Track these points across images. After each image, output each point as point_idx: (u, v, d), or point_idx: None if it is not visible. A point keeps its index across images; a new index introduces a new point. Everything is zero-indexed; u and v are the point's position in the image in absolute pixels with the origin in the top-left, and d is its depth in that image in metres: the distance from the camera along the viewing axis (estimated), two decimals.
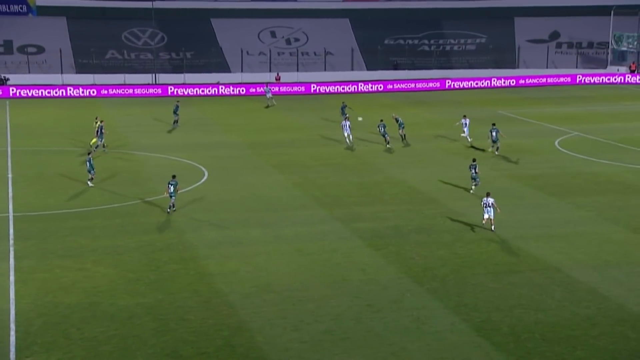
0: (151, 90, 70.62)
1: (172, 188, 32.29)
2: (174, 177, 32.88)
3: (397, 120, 48.55)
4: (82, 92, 68.85)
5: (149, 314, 22.57)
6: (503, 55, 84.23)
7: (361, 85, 73.83)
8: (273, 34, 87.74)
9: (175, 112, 53.61)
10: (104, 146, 44.78)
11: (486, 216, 30.07)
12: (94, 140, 44.36)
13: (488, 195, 30.35)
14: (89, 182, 36.66)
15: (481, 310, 23.08)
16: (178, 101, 56.45)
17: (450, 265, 26.82)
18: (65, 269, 25.80)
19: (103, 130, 44.52)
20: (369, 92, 72.90)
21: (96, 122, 45.39)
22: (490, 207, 29.87)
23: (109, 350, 20.50)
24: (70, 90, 68.66)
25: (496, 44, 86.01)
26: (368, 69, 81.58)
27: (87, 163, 36.67)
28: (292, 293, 24.39)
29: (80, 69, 76.80)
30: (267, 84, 66.85)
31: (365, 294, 24.38)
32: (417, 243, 29.08)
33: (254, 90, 71.18)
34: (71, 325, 21.68)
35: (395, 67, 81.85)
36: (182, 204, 33.85)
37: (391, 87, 74.50)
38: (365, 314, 22.89)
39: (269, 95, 63.56)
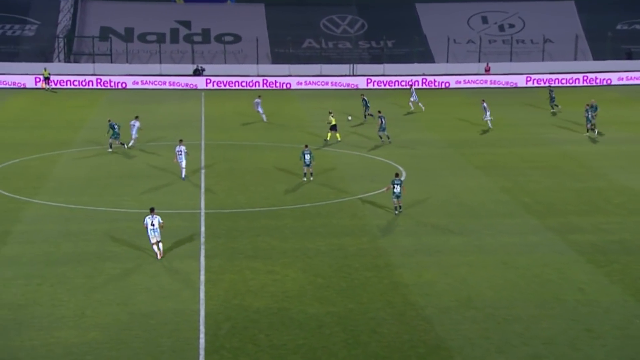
0: (348, 82, 72.05)
1: (398, 188, 32.60)
2: (397, 175, 33.34)
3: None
4: (277, 83, 71.71)
5: (339, 324, 22.96)
6: None
7: (585, 78, 70.69)
8: (484, 20, 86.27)
9: (366, 105, 54.20)
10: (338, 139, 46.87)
11: None
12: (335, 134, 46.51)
13: None
14: (304, 178, 38.17)
15: None
16: (362, 94, 57.11)
17: None
18: (254, 270, 26.91)
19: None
20: (594, 84, 69.59)
21: (331, 116, 47.63)
22: None
23: None
24: (265, 81, 71.78)
25: None
26: (595, 59, 77.89)
27: (306, 156, 37.82)
28: (496, 310, 23.80)
29: (276, 59, 79.96)
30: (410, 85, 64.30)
31: (583, 317, 23.27)
32: None
33: (459, 81, 70.37)
34: (259, 331, 22.55)
35: (629, 57, 77.43)
36: (375, 206, 34.17)
37: (622, 80, 70.60)
38: (583, 340, 21.84)
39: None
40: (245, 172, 40.57)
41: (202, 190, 37.00)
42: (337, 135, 47.42)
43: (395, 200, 32.90)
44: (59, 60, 77.77)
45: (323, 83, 71.40)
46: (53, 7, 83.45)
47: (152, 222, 27.54)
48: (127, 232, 30.43)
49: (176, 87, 70.75)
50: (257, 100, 55.45)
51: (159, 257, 27.65)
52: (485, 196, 36.13)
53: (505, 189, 37.35)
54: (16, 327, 22.34)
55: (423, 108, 58.40)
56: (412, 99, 59.04)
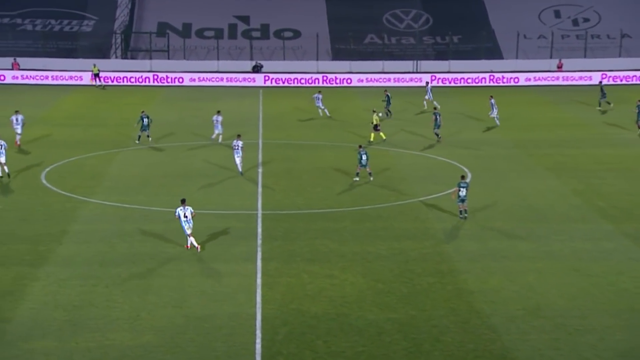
0: (411, 79, 71.71)
1: (464, 192, 32.32)
2: (463, 177, 33.18)
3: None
4: (337, 80, 71.78)
5: (400, 332, 22.87)
6: None
7: None
8: (557, 14, 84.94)
9: (388, 101, 54.77)
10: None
11: None
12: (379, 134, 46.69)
13: None
14: (356, 178, 38.43)
15: None
16: (386, 90, 57.04)
17: None
18: (312, 274, 26.97)
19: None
20: None
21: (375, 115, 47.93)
22: None
23: None
24: (325, 77, 71.91)
25: None
26: None
27: (362, 156, 38.02)
28: (567, 320, 23.43)
29: (337, 55, 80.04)
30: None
31: None
32: None
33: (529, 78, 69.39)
34: (317, 337, 22.59)
35: None
36: (439, 209, 33.94)
37: None
38: None
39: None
40: (303, 172, 40.71)
41: (259, 190, 37.25)
42: (382, 134, 47.24)
43: (460, 204, 32.60)
44: (116, 57, 79.17)
45: (385, 80, 71.20)
46: (111, 3, 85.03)
47: (184, 213, 28.42)
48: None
49: (234, 84, 71.39)
50: (318, 95, 55.68)
51: (197, 251, 28.49)
52: (556, 199, 35.58)
53: (577, 192, 36.73)
54: (71, 329, 22.82)
55: (438, 107, 58.13)
56: (426, 97, 58.64)
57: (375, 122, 47.31)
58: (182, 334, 22.58)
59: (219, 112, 47.62)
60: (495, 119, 52.15)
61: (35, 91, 66.50)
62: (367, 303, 24.72)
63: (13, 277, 26.12)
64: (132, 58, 79.63)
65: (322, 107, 55.27)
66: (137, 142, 46.75)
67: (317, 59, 77.15)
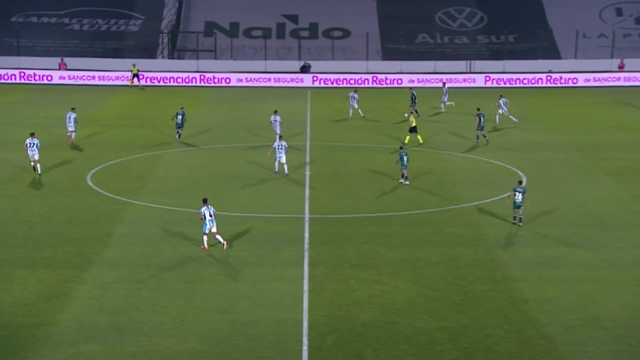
0: (464, 80, 71.23)
1: (520, 197, 31.90)
2: (520, 182, 32.99)
3: None
4: (388, 80, 71.59)
5: (451, 341, 22.71)
6: None
7: None
8: (619, 12, 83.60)
9: (413, 101, 54.69)
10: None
11: None
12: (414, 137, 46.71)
13: None
14: (402, 180, 38.51)
15: None
16: (411, 89, 56.93)
17: None
18: (361, 280, 26.92)
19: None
20: None
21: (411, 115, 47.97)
22: None
23: None
24: (375, 78, 71.79)
25: None
26: None
27: (404, 157, 38.07)
28: (628, 332, 23.05)
29: (387, 55, 79.86)
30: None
31: None
32: None
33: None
34: (366, 345, 22.54)
35: None
36: (492, 215, 33.63)
37: None
38: None
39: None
40: (352, 176, 40.67)
41: (307, 194, 37.30)
42: (419, 137, 46.85)
43: (515, 210, 32.23)
44: (163, 57, 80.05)
45: (437, 81, 70.81)
46: (158, 2, 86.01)
47: (209, 212, 29.20)
48: (228, 236, 30.99)
49: (281, 84, 71.65)
50: (354, 94, 56.05)
51: (224, 246, 29.34)
52: (616, 205, 35.01)
53: (638, 197, 36.09)
54: (116, 333, 23.10)
55: (453, 104, 58.09)
56: (444, 100, 58.33)
57: (413, 124, 47.06)
58: (227, 340, 22.71)
59: (276, 112, 48.17)
60: (511, 118, 51.94)
61: (81, 91, 67.55)
62: (417, 311, 24.59)
63: (59, 280, 26.54)
64: (179, 58, 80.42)
65: (357, 107, 55.45)
66: (178, 139, 47.69)
67: (367, 59, 77.01)
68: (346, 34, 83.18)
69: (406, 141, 46.29)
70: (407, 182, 38.31)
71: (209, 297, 25.46)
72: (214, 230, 29.26)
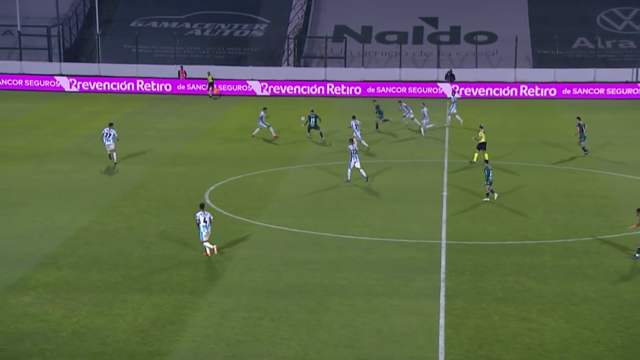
0: (629, 90, 69.22)
1: None
2: None
3: None
4: (538, 91, 70.42)
5: None
6: None
7: None
8: None
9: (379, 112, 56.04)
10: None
11: None
12: None
13: None
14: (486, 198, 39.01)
15: None
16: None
17: None
18: (505, 316, 26.48)
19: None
20: None
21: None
22: None
23: None
24: (523, 89, 70.73)
25: None
26: None
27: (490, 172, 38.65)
28: None
29: (539, 62, 78.54)
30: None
31: None
32: None
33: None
34: None
35: None
36: None
37: None
38: None
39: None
40: (500, 196, 40.14)
41: (444, 217, 37.05)
42: (486, 155, 45.69)
43: None
44: (288, 64, 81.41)
45: (596, 92, 69.10)
46: (285, 5, 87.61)
47: (204, 218, 31.31)
48: (356, 262, 31.09)
49: (417, 94, 71.23)
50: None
51: (213, 253, 31.56)
52: None
53: None
54: None
55: (461, 121, 57.85)
56: (452, 111, 58.25)
57: (482, 140, 46.09)
58: None
59: (354, 117, 50.22)
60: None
61: (201, 102, 69.49)
62: (571, 354, 23.99)
63: (174, 306, 27.27)
64: (305, 65, 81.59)
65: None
66: (308, 135, 53.51)
67: (515, 67, 76.02)
68: (492, 38, 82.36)
69: (475, 159, 45.60)
70: (492, 197, 39.11)
71: (334, 330, 25.59)
72: (205, 238, 31.38)
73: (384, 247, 32.84)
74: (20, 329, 25.33)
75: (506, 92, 70.86)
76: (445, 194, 40.49)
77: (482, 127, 47.34)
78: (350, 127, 49.51)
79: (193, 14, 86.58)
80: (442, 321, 26.13)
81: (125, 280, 29.42)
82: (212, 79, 72.45)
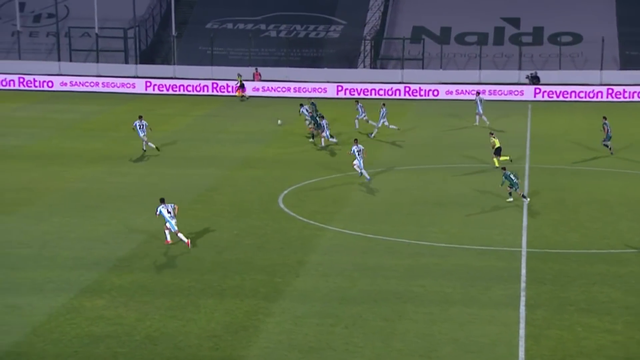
0: None
1: None
2: None
3: None
4: (627, 94, 69.19)
5: None
6: None
7: None
8: None
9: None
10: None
11: None
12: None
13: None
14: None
15: None
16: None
17: None
18: (588, 328, 26.10)
19: None
20: None
21: None
22: None
23: None
24: (610, 91, 69.58)
25: None
26: None
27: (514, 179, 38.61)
28: None
29: (627, 63, 77.18)
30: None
31: None
32: None
33: None
34: None
35: None
36: None
37: None
38: None
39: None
40: (580, 204, 39.64)
41: (525, 224, 36.68)
42: (498, 159, 45.52)
43: None
44: (364, 66, 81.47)
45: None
46: (362, 5, 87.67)
47: (167, 210, 32.74)
48: (432, 269, 30.96)
49: (497, 97, 70.58)
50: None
51: (189, 246, 32.91)
52: None
53: None
54: None
55: (488, 122, 57.72)
56: (478, 112, 58.19)
57: (497, 145, 45.85)
58: None
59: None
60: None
61: (276, 104, 69.90)
62: None
63: (247, 311, 27.50)
64: (382, 67, 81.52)
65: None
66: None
67: (601, 69, 74.90)
68: (577, 39, 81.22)
69: (497, 164, 44.90)
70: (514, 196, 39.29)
71: (409, 338, 25.51)
72: (176, 228, 32.68)
73: (461, 254, 32.64)
74: (94, 332, 25.82)
75: (592, 95, 69.76)
76: (526, 200, 39.96)
77: (492, 134, 47.41)
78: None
79: (269, 15, 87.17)
80: (522, 332, 25.87)
81: (198, 285, 29.76)
82: (242, 80, 72.85)
